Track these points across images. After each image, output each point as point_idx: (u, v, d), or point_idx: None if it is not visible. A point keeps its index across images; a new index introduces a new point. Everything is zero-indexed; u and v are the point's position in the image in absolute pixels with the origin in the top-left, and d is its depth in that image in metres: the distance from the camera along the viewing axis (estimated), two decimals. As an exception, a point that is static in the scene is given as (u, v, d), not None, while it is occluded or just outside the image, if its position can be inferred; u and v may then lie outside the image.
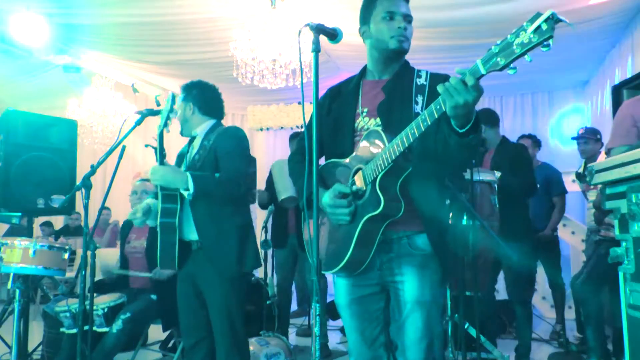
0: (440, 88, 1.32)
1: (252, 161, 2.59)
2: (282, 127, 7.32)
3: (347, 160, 1.70)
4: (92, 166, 2.51)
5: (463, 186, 2.96)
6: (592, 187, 3.66)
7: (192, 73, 6.15)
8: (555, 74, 6.19)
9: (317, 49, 1.51)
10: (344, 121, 1.76)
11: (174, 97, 2.35)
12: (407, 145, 1.45)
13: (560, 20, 1.12)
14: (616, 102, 4.23)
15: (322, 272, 1.72)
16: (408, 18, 1.69)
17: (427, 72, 1.73)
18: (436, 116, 1.37)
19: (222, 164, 2.36)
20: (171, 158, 2.48)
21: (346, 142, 1.72)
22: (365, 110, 1.74)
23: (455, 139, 1.43)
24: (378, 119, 1.69)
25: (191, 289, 2.43)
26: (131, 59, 6.00)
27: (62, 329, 3.05)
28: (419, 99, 1.66)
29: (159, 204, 2.38)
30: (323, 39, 1.56)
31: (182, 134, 2.59)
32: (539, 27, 1.12)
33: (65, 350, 3.09)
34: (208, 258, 2.34)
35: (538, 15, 1.13)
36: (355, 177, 1.63)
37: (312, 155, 1.49)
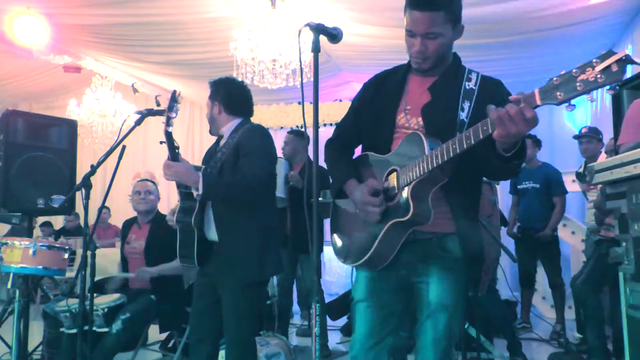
0: (493, 115, 1.26)
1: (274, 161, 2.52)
2: (282, 127, 7.33)
3: (385, 156, 1.65)
4: (92, 166, 2.50)
5: None
6: (592, 187, 3.66)
7: (192, 73, 6.19)
8: (555, 73, 6.15)
9: (317, 49, 1.51)
10: (385, 115, 1.69)
11: (174, 95, 2.28)
12: (446, 159, 1.39)
13: (634, 63, 1.06)
14: (616, 102, 4.22)
15: (346, 264, 1.70)
16: (431, 35, 1.54)
17: (477, 74, 1.66)
18: (481, 137, 1.30)
19: (241, 165, 2.28)
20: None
21: (384, 136, 1.67)
22: (409, 107, 1.67)
23: (498, 163, 1.40)
24: (420, 119, 1.63)
25: (208, 287, 2.38)
26: (131, 59, 6.00)
27: (62, 329, 3.05)
28: (466, 105, 1.59)
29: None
30: (323, 39, 1.56)
31: (211, 132, 2.55)
32: (608, 67, 1.04)
33: (65, 351, 3.09)
34: (226, 262, 2.29)
35: (610, 53, 1.05)
36: (390, 177, 1.60)
37: (317, 154, 1.48)
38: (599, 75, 1.05)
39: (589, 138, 4.14)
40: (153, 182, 3.57)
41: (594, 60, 1.07)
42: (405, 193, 1.50)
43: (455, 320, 1.61)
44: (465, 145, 1.34)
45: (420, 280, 1.62)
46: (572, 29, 4.76)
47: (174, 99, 2.24)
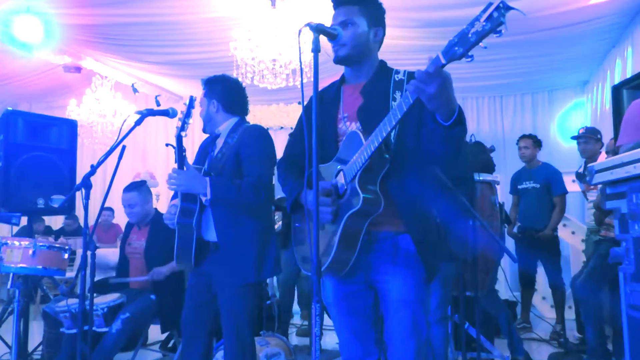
0: (409, 86, 1.37)
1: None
2: (282, 127, 7.33)
3: (330, 162, 1.72)
4: (92, 166, 2.50)
5: (468, 187, 2.93)
6: (592, 187, 3.66)
7: (192, 73, 6.18)
8: (555, 73, 6.19)
9: (317, 49, 1.51)
10: (326, 127, 1.77)
11: (192, 100, 2.26)
12: (380, 140, 1.48)
13: (512, 9, 1.17)
14: (616, 102, 4.22)
15: (306, 272, 1.73)
16: (345, 23, 1.70)
17: (405, 71, 1.74)
18: (405, 109, 1.41)
19: (245, 168, 2.29)
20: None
21: (330, 147, 1.74)
22: (346, 115, 1.76)
23: (440, 132, 1.45)
24: (358, 123, 1.71)
25: (204, 286, 2.38)
26: (131, 59, 6.00)
27: (62, 329, 3.05)
28: (397, 94, 1.67)
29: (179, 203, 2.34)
30: (323, 39, 1.56)
31: (204, 131, 2.53)
32: (490, 15, 1.18)
33: (65, 351, 3.09)
34: (225, 262, 2.29)
35: (490, 4, 1.19)
36: (338, 178, 1.66)
37: (312, 153, 1.49)
38: (484, 24, 1.20)
39: (586, 139, 4.14)
40: (137, 191, 3.40)
41: (480, 13, 1.21)
42: (353, 185, 1.57)
43: (420, 315, 1.65)
44: (394, 121, 1.45)
45: (380, 280, 1.67)
46: (572, 29, 4.76)
47: (192, 104, 2.24)
